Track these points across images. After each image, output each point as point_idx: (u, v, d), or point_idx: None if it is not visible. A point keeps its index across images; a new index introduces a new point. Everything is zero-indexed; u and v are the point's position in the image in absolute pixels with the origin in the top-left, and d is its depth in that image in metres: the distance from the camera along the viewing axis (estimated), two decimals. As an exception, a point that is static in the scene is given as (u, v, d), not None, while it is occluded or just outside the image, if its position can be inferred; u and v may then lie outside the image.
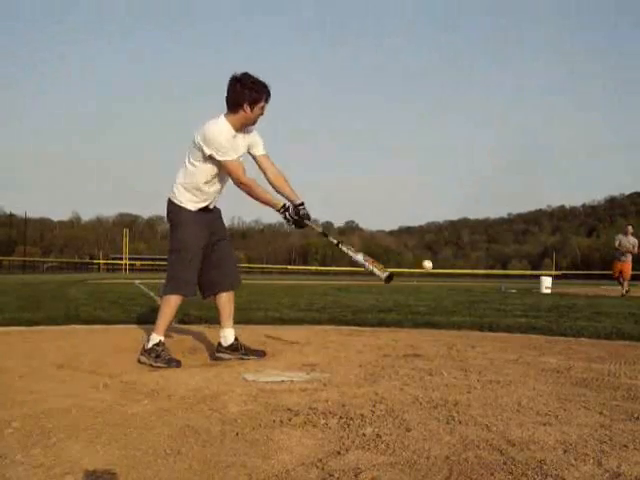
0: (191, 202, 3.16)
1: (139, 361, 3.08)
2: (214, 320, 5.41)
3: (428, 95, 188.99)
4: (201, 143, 3.03)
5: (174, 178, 3.19)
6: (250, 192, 3.08)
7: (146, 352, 3.09)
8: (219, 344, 3.34)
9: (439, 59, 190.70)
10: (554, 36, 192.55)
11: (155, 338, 3.11)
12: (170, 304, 3.15)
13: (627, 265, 13.18)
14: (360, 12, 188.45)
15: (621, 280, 13.21)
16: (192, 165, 3.11)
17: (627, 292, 12.98)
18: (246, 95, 3.05)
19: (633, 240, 13.14)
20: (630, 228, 13.53)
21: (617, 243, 13.15)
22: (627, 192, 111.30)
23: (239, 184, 3.09)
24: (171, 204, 3.20)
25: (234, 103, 3.07)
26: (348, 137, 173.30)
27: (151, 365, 3.01)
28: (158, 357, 3.05)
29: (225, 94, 3.10)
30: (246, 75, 3.07)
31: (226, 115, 3.11)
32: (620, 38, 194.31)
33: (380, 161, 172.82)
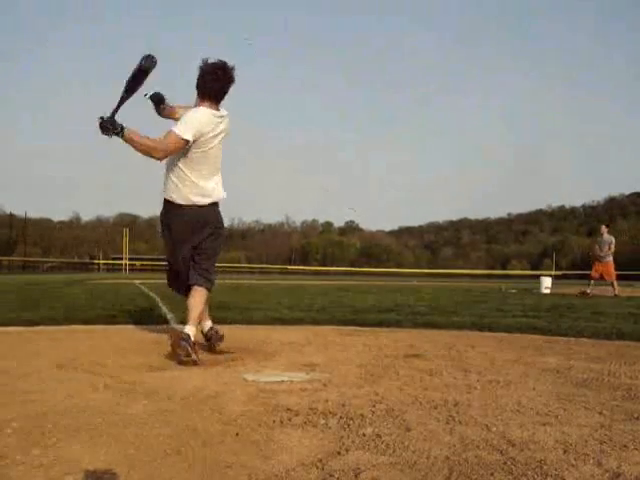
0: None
1: (180, 345, 3.06)
2: (213, 320, 5.41)
3: (428, 95, 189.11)
4: None
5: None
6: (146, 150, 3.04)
7: (184, 341, 3.08)
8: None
9: (438, 57, 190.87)
10: (552, 33, 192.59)
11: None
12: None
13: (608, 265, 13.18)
14: (357, 5, 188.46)
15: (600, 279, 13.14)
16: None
17: (617, 294, 12.88)
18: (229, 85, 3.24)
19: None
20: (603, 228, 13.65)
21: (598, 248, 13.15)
22: (627, 192, 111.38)
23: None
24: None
25: (224, 93, 3.22)
26: (348, 137, 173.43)
27: (181, 354, 3.03)
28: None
29: (213, 84, 3.16)
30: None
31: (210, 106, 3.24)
32: (621, 37, 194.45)
33: (380, 161, 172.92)
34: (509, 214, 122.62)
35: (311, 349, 3.69)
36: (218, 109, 3.25)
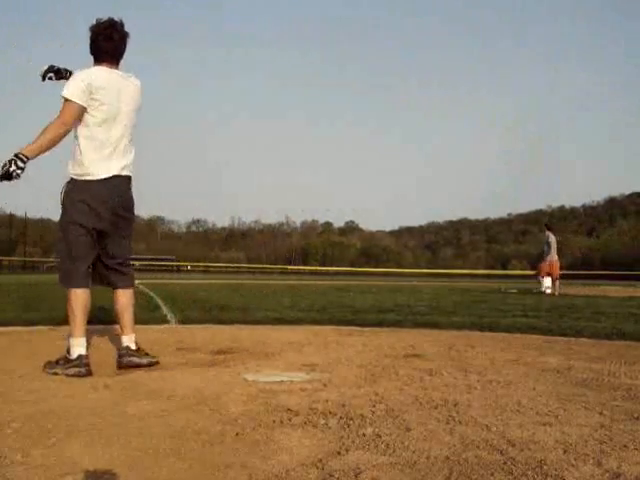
0: None
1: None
2: (213, 320, 5.41)
3: (428, 95, 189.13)
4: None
5: (125, 156, 2.99)
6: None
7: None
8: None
9: (439, 56, 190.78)
10: (553, 33, 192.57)
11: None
12: None
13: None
14: (362, 6, 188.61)
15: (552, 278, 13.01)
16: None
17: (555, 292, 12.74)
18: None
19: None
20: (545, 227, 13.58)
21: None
22: (627, 192, 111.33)
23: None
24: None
25: (121, 51, 3.01)
26: (348, 137, 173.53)
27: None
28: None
29: (106, 43, 2.94)
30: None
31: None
32: (621, 36, 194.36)
33: (380, 161, 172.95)
34: (509, 214, 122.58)
35: (311, 349, 3.69)
36: (117, 69, 3.01)
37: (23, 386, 2.47)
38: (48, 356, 3.25)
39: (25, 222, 50.69)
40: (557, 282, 12.95)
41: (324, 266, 68.58)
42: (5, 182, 2.72)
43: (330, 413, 2.07)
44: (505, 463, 1.57)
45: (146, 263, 52.67)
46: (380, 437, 1.79)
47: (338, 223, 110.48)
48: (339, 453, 1.65)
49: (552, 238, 13.10)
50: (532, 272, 14.35)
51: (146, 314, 5.59)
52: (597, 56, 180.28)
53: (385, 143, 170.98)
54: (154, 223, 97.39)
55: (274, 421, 1.98)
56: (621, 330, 4.75)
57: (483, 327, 5.07)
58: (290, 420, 1.99)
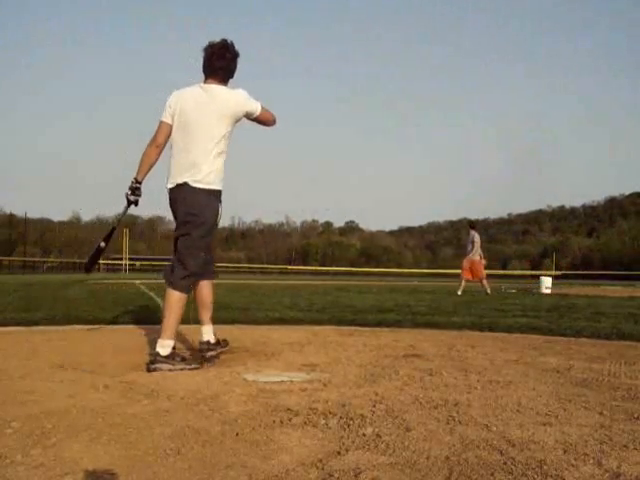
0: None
1: (155, 370, 2.86)
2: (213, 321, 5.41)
3: (428, 94, 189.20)
4: (246, 109, 3.14)
5: (195, 163, 3.02)
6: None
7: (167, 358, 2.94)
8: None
9: (439, 57, 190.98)
10: (553, 34, 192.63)
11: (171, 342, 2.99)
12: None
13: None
14: (359, 5, 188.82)
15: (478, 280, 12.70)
16: (225, 140, 3.13)
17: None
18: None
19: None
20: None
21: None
22: (627, 192, 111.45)
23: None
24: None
25: (229, 70, 3.17)
26: (348, 137, 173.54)
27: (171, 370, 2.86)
28: (183, 360, 2.98)
29: (223, 62, 3.12)
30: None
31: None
32: (621, 35, 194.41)
33: (380, 161, 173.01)
34: (509, 214, 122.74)
35: (311, 349, 3.69)
36: (224, 85, 3.16)
37: (23, 386, 2.46)
38: (48, 356, 3.25)
39: (25, 222, 50.68)
40: (484, 281, 12.72)
41: (324, 266, 68.59)
42: (133, 206, 3.18)
43: (330, 413, 2.07)
44: (505, 463, 1.57)
45: (146, 263, 52.65)
46: (380, 437, 1.79)
47: (338, 223, 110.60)
48: (339, 453, 1.65)
49: (477, 237, 12.92)
50: (529, 272, 14.16)
51: (146, 314, 5.60)
52: (597, 56, 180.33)
53: (385, 143, 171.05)
54: (154, 223, 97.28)
55: (274, 421, 1.98)
56: (621, 330, 4.74)
57: (483, 327, 5.06)
58: (290, 420, 1.99)
